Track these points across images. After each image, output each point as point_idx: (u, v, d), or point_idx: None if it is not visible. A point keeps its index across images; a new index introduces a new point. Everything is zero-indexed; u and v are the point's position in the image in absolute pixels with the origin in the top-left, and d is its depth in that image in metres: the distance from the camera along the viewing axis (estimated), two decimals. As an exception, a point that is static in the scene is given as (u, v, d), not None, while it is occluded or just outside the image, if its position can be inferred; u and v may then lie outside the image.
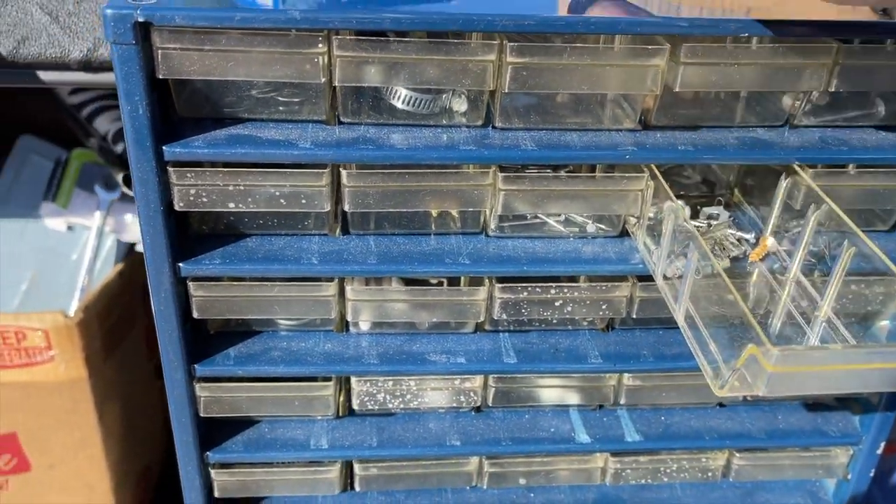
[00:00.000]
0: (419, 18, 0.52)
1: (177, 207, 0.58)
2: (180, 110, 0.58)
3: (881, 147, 0.61)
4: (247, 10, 0.51)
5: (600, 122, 0.61)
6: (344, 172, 0.58)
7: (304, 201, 0.59)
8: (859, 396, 0.77)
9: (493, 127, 0.61)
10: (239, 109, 0.59)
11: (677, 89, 0.57)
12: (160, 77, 0.53)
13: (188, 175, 0.57)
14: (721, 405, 0.77)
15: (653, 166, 0.60)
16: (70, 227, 1.40)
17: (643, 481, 0.77)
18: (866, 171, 0.62)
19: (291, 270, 0.61)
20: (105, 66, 0.86)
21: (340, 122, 0.60)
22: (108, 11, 0.49)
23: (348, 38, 0.53)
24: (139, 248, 1.40)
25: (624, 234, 0.66)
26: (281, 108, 0.61)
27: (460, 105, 0.62)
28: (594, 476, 0.76)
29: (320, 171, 0.58)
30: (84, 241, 1.40)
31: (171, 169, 0.56)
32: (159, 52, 0.52)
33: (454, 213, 0.66)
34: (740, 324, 0.48)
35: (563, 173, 0.62)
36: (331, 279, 0.63)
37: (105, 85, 0.87)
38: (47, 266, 1.40)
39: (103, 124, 1.28)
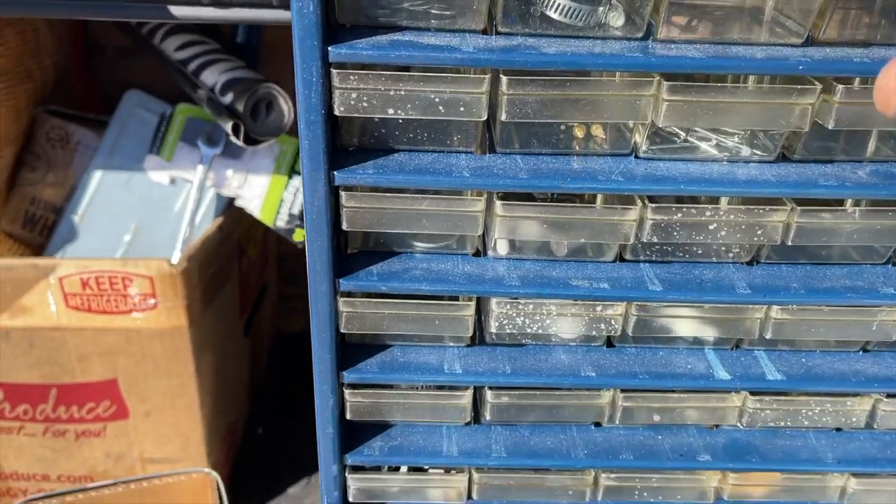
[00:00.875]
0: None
1: (337, 112, 0.58)
2: (340, 17, 0.58)
3: None
4: None
5: (767, 36, 0.59)
6: (504, 79, 0.57)
7: (462, 109, 0.58)
8: None
9: (654, 39, 0.59)
10: (395, 19, 0.59)
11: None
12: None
13: (351, 77, 0.56)
14: (865, 350, 0.74)
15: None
16: (173, 181, 1.43)
17: (782, 423, 0.74)
18: None
19: (443, 182, 0.60)
20: (235, 2, 0.87)
21: (497, 32, 0.59)
22: None
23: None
24: (238, 202, 1.42)
25: (782, 157, 0.64)
26: (433, 21, 0.60)
27: (617, 19, 0.60)
28: (730, 416, 0.74)
29: (481, 76, 0.57)
30: (186, 194, 1.42)
31: (334, 71, 0.56)
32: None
33: (601, 134, 0.64)
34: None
35: (727, 85, 0.60)
36: (481, 194, 0.62)
37: (237, 21, 0.88)
38: (150, 218, 1.43)
39: (210, 77, 1.30)
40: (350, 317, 0.66)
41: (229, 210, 1.46)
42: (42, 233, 1.45)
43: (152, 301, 1.31)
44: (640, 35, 0.59)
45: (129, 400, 1.42)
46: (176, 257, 1.33)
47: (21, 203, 1.43)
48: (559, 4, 0.59)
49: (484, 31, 0.59)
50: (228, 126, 1.22)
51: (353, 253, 0.68)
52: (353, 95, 0.57)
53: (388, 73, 0.57)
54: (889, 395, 0.73)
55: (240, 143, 1.22)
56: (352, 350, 0.71)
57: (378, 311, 0.66)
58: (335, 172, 0.60)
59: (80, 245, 1.40)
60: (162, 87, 1.49)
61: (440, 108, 0.58)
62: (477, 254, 0.69)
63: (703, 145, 0.65)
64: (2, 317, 1.28)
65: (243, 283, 1.58)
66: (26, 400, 1.37)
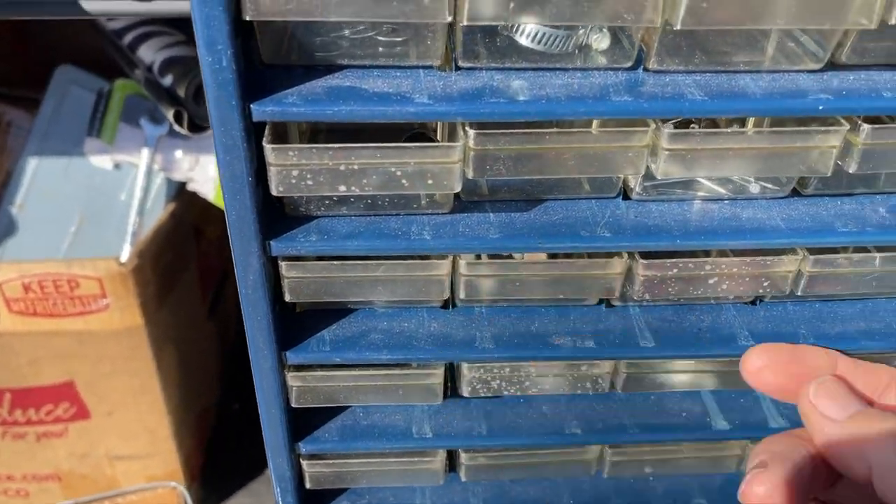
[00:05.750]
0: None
1: (275, 193, 0.48)
2: (266, 56, 0.47)
3: None
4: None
5: (777, 61, 0.49)
6: (471, 132, 0.47)
7: (430, 182, 0.48)
8: None
9: (645, 69, 0.49)
10: (332, 53, 0.49)
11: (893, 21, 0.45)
12: (247, 18, 0.42)
13: (290, 153, 0.46)
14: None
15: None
16: (117, 165, 1.31)
17: (785, 470, 0.68)
18: None
19: (400, 247, 0.51)
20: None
21: (458, 67, 0.49)
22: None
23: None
24: (190, 186, 1.31)
25: (794, 193, 0.55)
26: (381, 50, 0.50)
27: (601, 41, 0.50)
28: (729, 464, 0.68)
29: (452, 145, 0.47)
30: (132, 179, 1.31)
31: (268, 147, 0.46)
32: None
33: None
34: None
35: (734, 127, 0.50)
36: (444, 256, 0.53)
37: (159, 15, 0.77)
38: (95, 207, 1.32)
39: (148, 53, 1.17)
40: (301, 391, 0.58)
41: (181, 194, 1.35)
42: (-24, 227, 1.32)
43: (104, 302, 1.22)
44: (628, 64, 0.49)
45: (89, 401, 1.34)
46: (126, 253, 1.23)
47: (-50, 198, 1.31)
48: (531, 31, 0.49)
49: (441, 67, 0.49)
50: (170, 114, 1.10)
51: (302, 312, 0.60)
52: (295, 173, 0.47)
53: (336, 145, 0.46)
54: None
55: (184, 131, 1.10)
56: (308, 415, 0.63)
57: (332, 383, 0.58)
58: (271, 242, 0.50)
59: (21, 239, 1.29)
60: (95, 58, 1.35)
61: (402, 181, 0.48)
62: (446, 304, 0.60)
63: (706, 182, 0.56)
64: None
65: (203, 266, 1.48)
66: (-21, 405, 1.28)
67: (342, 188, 0.47)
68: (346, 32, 0.49)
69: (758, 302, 0.62)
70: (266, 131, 0.46)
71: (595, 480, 0.70)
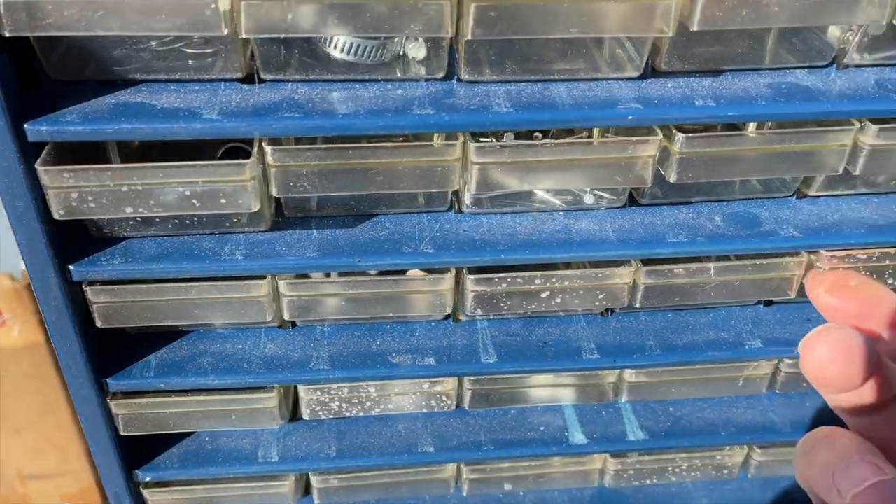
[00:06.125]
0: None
1: (57, 216, 0.45)
2: (52, 72, 0.45)
3: (955, 94, 0.48)
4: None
5: (596, 69, 0.48)
6: (268, 149, 0.45)
7: (224, 201, 0.46)
8: None
9: (459, 80, 0.48)
10: (130, 67, 0.46)
11: (695, 28, 0.43)
12: (6, 35, 0.40)
13: (66, 175, 0.44)
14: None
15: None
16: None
17: (647, 482, 0.67)
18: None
19: (211, 269, 0.49)
20: None
21: (261, 81, 0.47)
22: None
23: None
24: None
25: (631, 202, 0.54)
26: (190, 61, 0.47)
27: (417, 51, 0.48)
28: (591, 478, 0.66)
29: (241, 163, 0.45)
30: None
31: (40, 169, 0.43)
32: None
33: (416, 184, 0.53)
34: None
35: (550, 139, 0.49)
36: (263, 276, 0.51)
37: None
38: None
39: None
40: (128, 419, 0.55)
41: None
42: None
43: (1, 319, 1.18)
44: (441, 75, 0.48)
45: (-7, 420, 1.30)
46: (20, 266, 1.19)
47: None
48: (342, 42, 0.47)
49: (244, 80, 0.47)
50: None
51: (134, 334, 0.57)
52: (74, 195, 0.44)
53: (116, 166, 0.44)
54: (761, 446, 0.66)
55: None
56: (150, 442, 0.60)
57: (161, 410, 0.55)
58: (71, 267, 0.48)
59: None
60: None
61: (193, 202, 0.45)
62: (283, 324, 0.58)
63: (541, 192, 0.54)
64: None
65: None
66: None
67: (129, 210, 0.44)
68: (153, 44, 0.47)
69: (608, 313, 0.60)
70: (44, 152, 0.43)
71: (462, 498, 0.68)
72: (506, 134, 0.52)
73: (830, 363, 0.26)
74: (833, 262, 0.53)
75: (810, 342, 0.26)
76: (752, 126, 0.50)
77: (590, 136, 0.51)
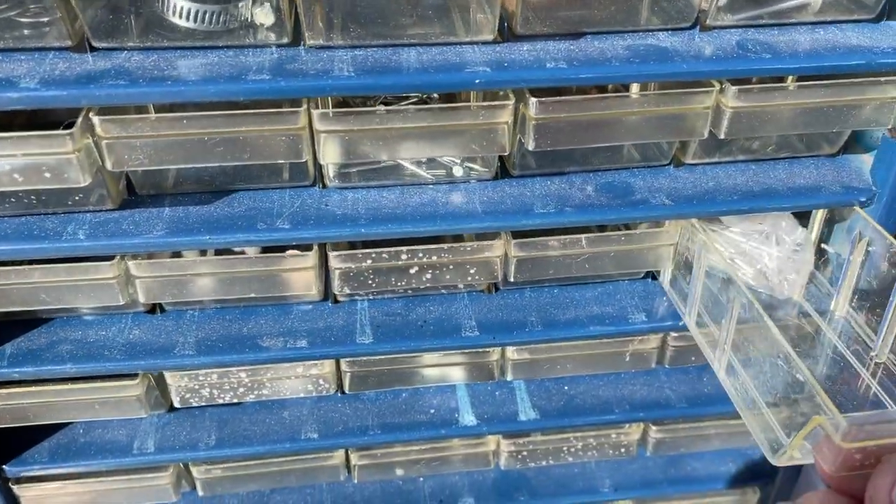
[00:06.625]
0: None
1: None
2: None
3: (816, 52, 0.46)
4: None
5: (451, 33, 0.46)
6: (96, 119, 0.43)
7: (48, 175, 0.43)
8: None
9: (307, 46, 0.45)
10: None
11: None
12: None
13: None
14: (636, 368, 0.65)
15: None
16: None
17: (542, 463, 0.66)
18: (805, 86, 0.48)
19: (50, 250, 0.47)
20: None
21: (93, 49, 0.44)
22: None
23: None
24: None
25: (503, 174, 0.52)
26: (26, 31, 0.45)
27: (265, 17, 0.46)
28: (485, 461, 0.65)
29: (63, 133, 0.42)
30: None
31: None
32: None
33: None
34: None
35: (405, 105, 0.47)
36: (110, 257, 0.49)
37: None
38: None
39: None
40: (-17, 411, 0.53)
41: None
42: None
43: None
44: (287, 40, 0.46)
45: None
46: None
47: None
48: (180, 7, 0.44)
49: (75, 48, 0.44)
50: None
51: (-6, 323, 0.54)
52: None
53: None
54: (656, 422, 0.64)
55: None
56: (19, 434, 0.58)
57: (15, 402, 0.53)
58: None
59: None
60: None
61: (15, 176, 0.43)
62: (153, 310, 0.56)
63: (408, 164, 0.52)
64: None
65: None
66: None
67: (-56, 183, 0.42)
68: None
69: (494, 290, 0.59)
70: None
71: (351, 486, 0.66)
72: (378, 105, 0.51)
73: None
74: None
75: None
76: (611, 88, 0.48)
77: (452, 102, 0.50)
